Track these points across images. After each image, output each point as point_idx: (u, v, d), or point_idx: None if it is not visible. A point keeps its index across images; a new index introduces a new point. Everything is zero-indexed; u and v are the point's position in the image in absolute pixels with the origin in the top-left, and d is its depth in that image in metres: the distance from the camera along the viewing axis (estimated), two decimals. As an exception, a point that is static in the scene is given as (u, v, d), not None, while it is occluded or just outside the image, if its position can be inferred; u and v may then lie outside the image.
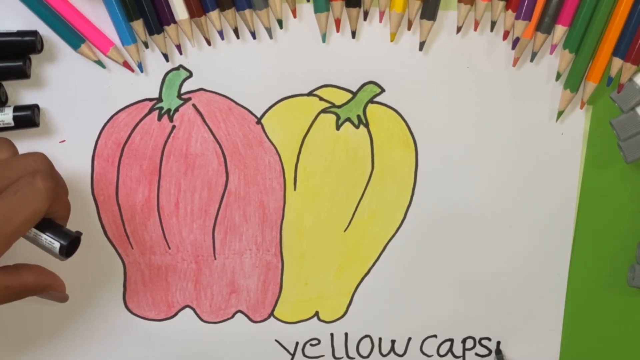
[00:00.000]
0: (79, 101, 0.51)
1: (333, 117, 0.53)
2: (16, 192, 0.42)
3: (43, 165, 0.45)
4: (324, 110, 0.53)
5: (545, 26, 0.50)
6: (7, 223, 0.42)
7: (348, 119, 0.53)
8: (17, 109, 0.49)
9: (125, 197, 0.53)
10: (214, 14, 0.50)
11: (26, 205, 0.42)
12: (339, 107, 0.53)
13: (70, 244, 0.45)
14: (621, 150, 0.53)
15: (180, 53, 0.51)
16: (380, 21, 0.51)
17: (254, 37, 0.51)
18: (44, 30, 0.49)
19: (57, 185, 0.44)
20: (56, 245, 0.44)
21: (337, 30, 0.51)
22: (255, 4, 0.49)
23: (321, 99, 0.53)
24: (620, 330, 0.59)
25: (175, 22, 0.50)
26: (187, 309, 0.57)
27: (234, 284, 0.56)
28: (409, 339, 0.59)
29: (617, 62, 0.51)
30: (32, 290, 0.46)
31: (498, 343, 0.59)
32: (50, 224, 0.45)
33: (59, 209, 0.45)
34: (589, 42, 0.51)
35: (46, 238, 0.44)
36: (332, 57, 0.52)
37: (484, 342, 0.59)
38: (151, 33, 0.50)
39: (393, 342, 0.59)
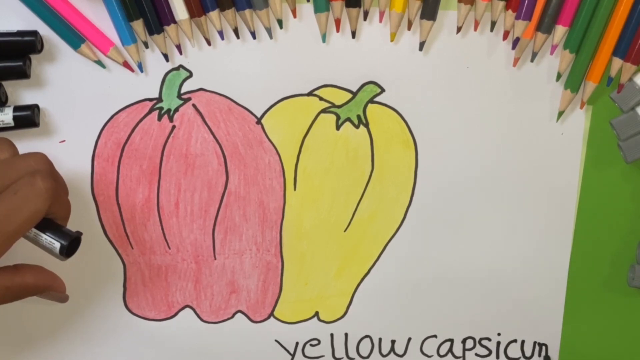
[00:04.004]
0: (79, 101, 0.51)
1: (333, 117, 0.53)
2: (16, 192, 0.42)
3: (43, 165, 0.45)
4: (324, 110, 0.53)
5: (545, 26, 0.50)
6: (8, 223, 0.42)
7: (348, 119, 0.53)
8: (17, 109, 0.49)
9: (125, 197, 0.53)
10: (214, 14, 0.50)
11: (26, 205, 0.42)
12: (339, 107, 0.53)
13: (71, 244, 0.45)
14: (621, 150, 0.53)
15: (180, 53, 0.51)
16: (380, 21, 0.51)
17: (254, 37, 0.51)
18: (44, 30, 0.49)
19: (57, 185, 0.44)
20: (56, 245, 0.44)
21: (337, 30, 0.51)
22: (255, 4, 0.49)
23: (321, 99, 0.53)
24: (620, 330, 0.59)
25: (175, 22, 0.50)
26: (187, 309, 0.57)
27: (234, 284, 0.56)
28: (409, 339, 0.59)
29: (617, 62, 0.51)
30: (32, 291, 0.46)
31: (545, 347, 0.59)
32: (50, 224, 0.45)
33: (59, 209, 0.45)
34: (589, 42, 0.51)
35: (46, 238, 0.44)
36: (332, 57, 0.52)
37: (484, 342, 0.59)
38: (151, 33, 0.50)
39: (393, 342, 0.59)
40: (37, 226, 0.44)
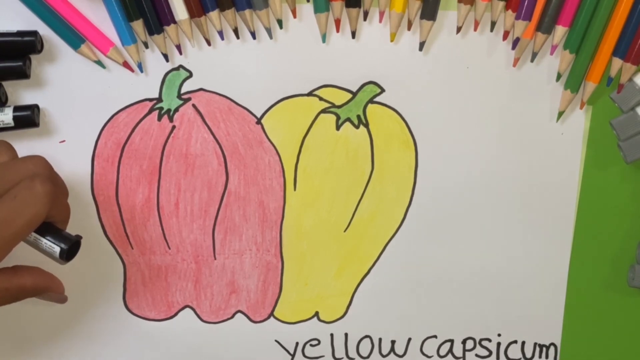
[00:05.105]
0: (79, 101, 0.51)
1: (333, 117, 0.53)
2: (15, 196, 0.42)
3: (43, 169, 0.44)
4: (324, 111, 0.53)
5: (545, 26, 0.50)
6: (7, 227, 0.41)
7: (348, 119, 0.53)
8: (17, 109, 0.49)
9: (125, 197, 0.53)
10: (213, 14, 0.50)
11: (26, 209, 0.42)
12: (339, 107, 0.53)
13: (71, 248, 0.45)
14: (621, 151, 0.53)
15: (180, 53, 0.51)
16: (380, 21, 0.51)
17: (254, 37, 0.51)
18: (44, 30, 0.49)
19: (56, 188, 0.44)
20: (56, 249, 0.44)
21: (337, 30, 0.51)
22: (255, 4, 0.49)
23: (321, 99, 0.53)
24: (620, 330, 0.59)
25: (175, 22, 0.50)
26: (187, 309, 0.57)
27: (234, 284, 0.56)
28: (409, 339, 0.59)
29: (617, 62, 0.51)
30: (30, 292, 0.46)
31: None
32: (50, 227, 0.45)
33: (58, 212, 0.45)
34: (589, 43, 0.51)
35: (46, 242, 0.44)
36: (332, 57, 0.52)
37: (484, 342, 0.59)
38: (151, 33, 0.50)
39: (393, 342, 0.59)
40: (36, 230, 0.44)
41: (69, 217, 0.47)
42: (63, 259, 0.44)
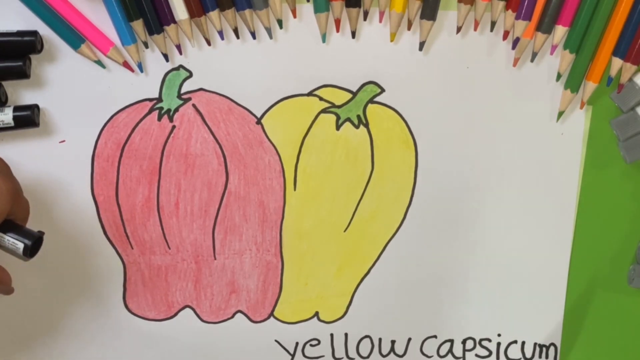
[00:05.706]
0: (79, 101, 0.51)
1: (333, 117, 0.53)
2: None
3: (2, 167, 0.45)
4: (324, 110, 0.53)
5: (545, 26, 0.51)
6: None
7: (348, 119, 0.53)
8: (17, 109, 0.49)
9: (125, 197, 0.53)
10: (214, 14, 0.50)
11: None
12: (339, 107, 0.53)
13: (34, 244, 0.44)
14: (621, 151, 0.53)
15: (180, 53, 0.51)
16: (380, 21, 0.51)
17: (254, 37, 0.51)
18: (44, 30, 0.49)
19: (18, 186, 0.44)
20: (20, 245, 0.44)
21: (337, 30, 0.51)
22: (255, 4, 0.49)
23: (321, 99, 0.53)
24: (620, 330, 0.59)
25: (175, 22, 0.50)
26: (187, 309, 0.57)
27: (234, 284, 0.56)
28: (409, 339, 0.59)
29: (617, 62, 0.51)
30: None
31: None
32: (12, 225, 0.44)
33: (19, 209, 0.45)
34: (589, 43, 0.51)
35: (9, 239, 0.44)
36: (332, 57, 0.52)
37: (484, 343, 0.59)
38: (151, 33, 0.50)
39: (393, 342, 0.59)
40: None
41: (29, 214, 0.47)
42: (27, 255, 0.44)
